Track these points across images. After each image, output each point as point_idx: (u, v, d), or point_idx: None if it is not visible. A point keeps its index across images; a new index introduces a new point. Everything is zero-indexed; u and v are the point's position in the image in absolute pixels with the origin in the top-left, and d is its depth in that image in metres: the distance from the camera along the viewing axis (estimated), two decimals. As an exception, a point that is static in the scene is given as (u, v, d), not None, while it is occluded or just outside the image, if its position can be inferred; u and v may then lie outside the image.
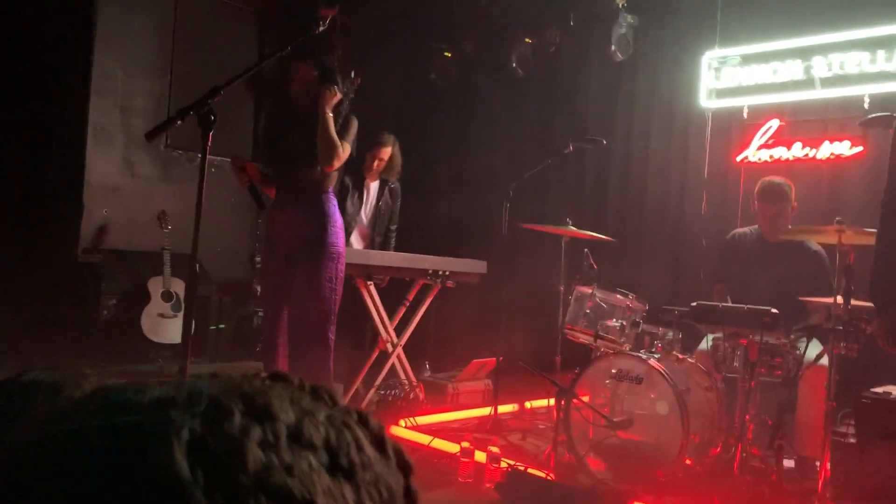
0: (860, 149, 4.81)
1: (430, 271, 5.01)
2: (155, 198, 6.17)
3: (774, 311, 3.40)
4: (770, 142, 5.15)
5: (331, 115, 3.52)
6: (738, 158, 5.27)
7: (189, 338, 2.49)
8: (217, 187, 6.91)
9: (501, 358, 4.76)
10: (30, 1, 5.63)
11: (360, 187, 5.47)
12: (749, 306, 3.50)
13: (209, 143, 2.03)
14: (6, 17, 5.57)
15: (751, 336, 3.47)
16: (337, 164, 3.57)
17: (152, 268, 5.82)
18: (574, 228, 4.48)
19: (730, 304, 3.74)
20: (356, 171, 5.41)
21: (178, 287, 5.84)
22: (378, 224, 5.55)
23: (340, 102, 3.56)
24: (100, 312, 5.91)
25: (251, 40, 7.02)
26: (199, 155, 2.08)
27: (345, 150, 3.57)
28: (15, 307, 5.29)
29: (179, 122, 2.05)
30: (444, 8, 6.61)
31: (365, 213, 5.53)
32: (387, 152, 5.38)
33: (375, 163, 5.38)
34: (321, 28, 2.60)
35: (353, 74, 3.69)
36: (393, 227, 5.60)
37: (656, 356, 3.69)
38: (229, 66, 6.57)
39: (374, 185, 5.55)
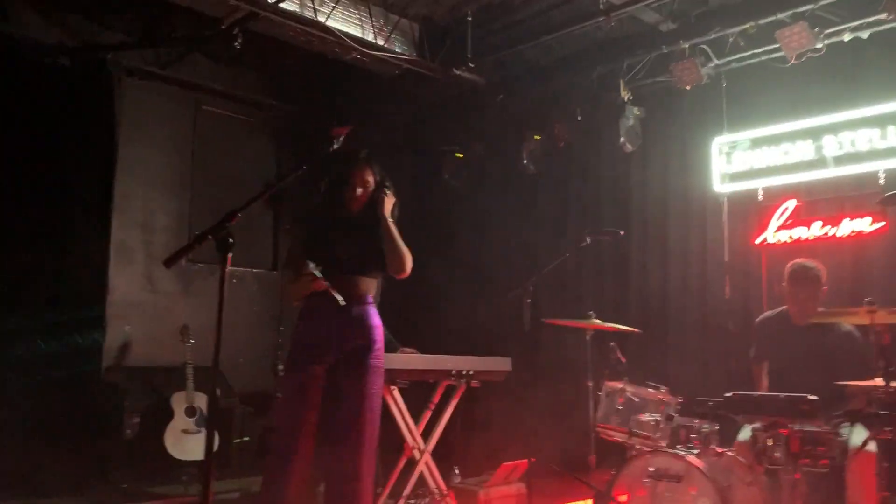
0: (882, 224, 4.76)
1: (454, 371, 4.91)
2: (176, 312, 6.20)
3: (812, 397, 3.28)
4: (788, 222, 5.13)
5: (392, 221, 3.46)
6: (758, 241, 5.24)
7: (212, 454, 2.42)
8: (238, 299, 7.02)
9: (534, 459, 4.61)
10: (53, 121, 5.84)
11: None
12: (786, 394, 3.39)
13: (228, 265, 2.04)
14: (31, 136, 5.78)
15: (791, 426, 3.34)
16: (409, 271, 3.48)
17: (175, 383, 5.79)
18: (598, 321, 4.41)
19: (765, 393, 3.63)
20: None
21: (202, 401, 5.78)
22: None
23: (394, 206, 3.51)
24: (123, 431, 5.85)
25: (267, 154, 7.22)
26: (220, 268, 2.09)
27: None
28: (38, 427, 5.26)
29: (197, 247, 2.07)
30: (452, 111, 6.79)
31: None
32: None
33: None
34: (335, 146, 2.65)
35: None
36: (391, 338, 5.52)
37: (694, 451, 3.56)
38: (247, 179, 6.82)
39: None
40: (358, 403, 3.33)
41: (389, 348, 5.36)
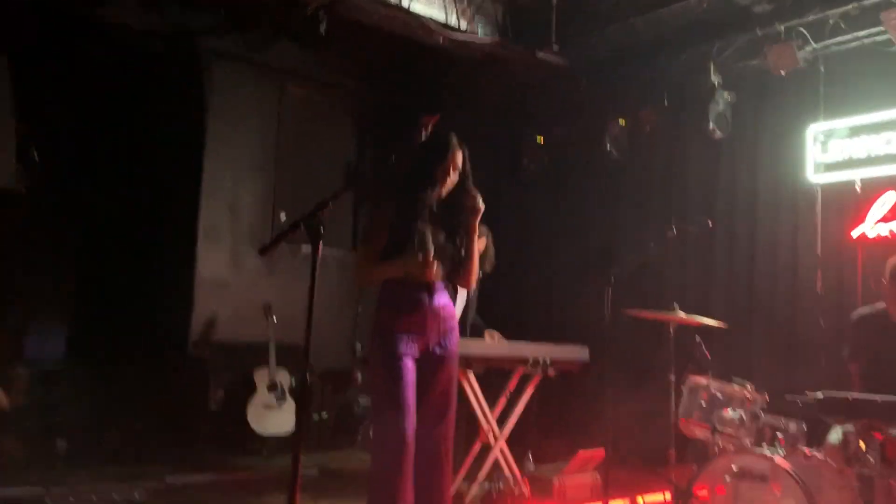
0: None
1: (531, 359, 4.89)
2: (260, 291, 6.37)
3: (911, 402, 3.13)
4: (889, 215, 4.88)
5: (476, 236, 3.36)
6: (855, 234, 5.01)
7: (303, 430, 2.53)
8: (318, 279, 7.10)
9: (610, 449, 4.55)
10: (146, 105, 6.05)
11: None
12: (883, 397, 3.24)
13: (319, 254, 2.08)
14: (124, 120, 6.01)
15: (887, 429, 3.20)
16: (473, 287, 3.53)
17: (257, 359, 5.96)
18: (682, 314, 4.31)
19: (860, 396, 3.48)
20: None
21: (283, 377, 5.95)
22: (468, 315, 5.46)
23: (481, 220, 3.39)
24: (208, 404, 6.07)
25: (350, 136, 7.29)
26: (303, 247, 2.14)
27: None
28: (128, 400, 5.51)
29: (290, 235, 2.11)
30: (535, 95, 6.70)
31: (458, 307, 5.44)
32: (482, 244, 5.34)
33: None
34: (424, 136, 2.66)
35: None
36: (474, 316, 5.51)
37: (781, 452, 3.44)
38: (329, 160, 6.92)
39: None
40: (449, 390, 3.30)
41: (476, 331, 5.41)
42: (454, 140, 3.29)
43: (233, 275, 6.50)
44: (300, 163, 6.83)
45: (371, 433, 3.39)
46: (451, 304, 3.40)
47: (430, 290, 3.26)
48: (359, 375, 6.64)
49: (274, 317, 5.97)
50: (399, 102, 6.60)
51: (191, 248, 6.26)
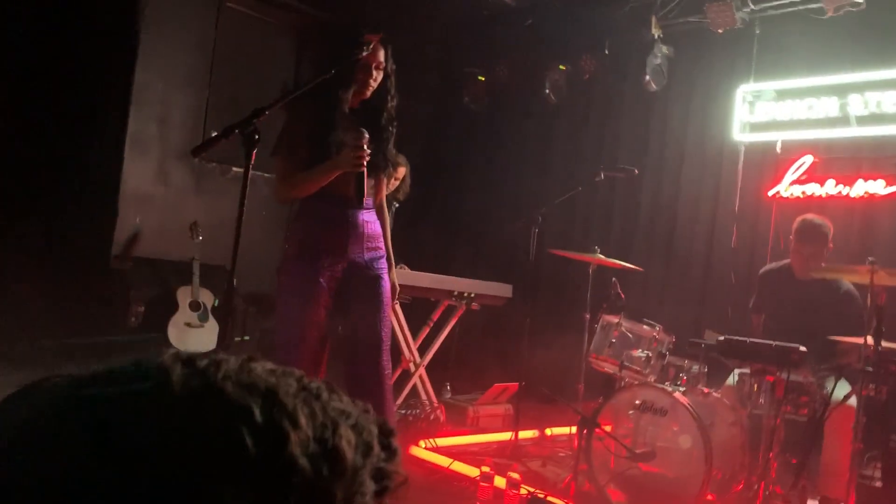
0: (895, 188, 4.77)
1: (456, 293, 5.02)
2: (187, 208, 6.25)
3: (802, 348, 3.37)
4: (803, 178, 5.12)
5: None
6: (770, 193, 5.25)
7: (222, 347, 2.51)
8: (248, 201, 7.01)
9: (524, 383, 4.75)
10: (78, 10, 5.77)
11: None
12: (777, 343, 3.47)
13: (252, 161, 2.08)
14: (54, 26, 5.72)
15: (778, 373, 3.44)
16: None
17: (181, 277, 5.90)
18: (602, 256, 4.48)
19: (757, 340, 3.71)
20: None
21: (206, 297, 5.91)
22: None
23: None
24: (128, 318, 6.00)
25: (288, 57, 7.13)
26: (233, 168, 2.12)
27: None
28: (44, 307, 5.39)
29: (224, 140, 2.10)
30: (479, 34, 6.68)
31: None
32: (402, 172, 5.36)
33: (391, 182, 5.33)
34: (365, 52, 2.63)
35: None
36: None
37: (681, 389, 3.67)
38: (266, 81, 6.77)
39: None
40: (380, 315, 3.07)
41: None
42: (376, 36, 2.95)
43: (160, 189, 6.35)
44: (236, 81, 6.66)
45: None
46: (378, 224, 3.16)
47: (353, 204, 2.97)
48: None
49: (200, 235, 5.89)
50: (341, 24, 6.46)
51: (117, 159, 6.08)
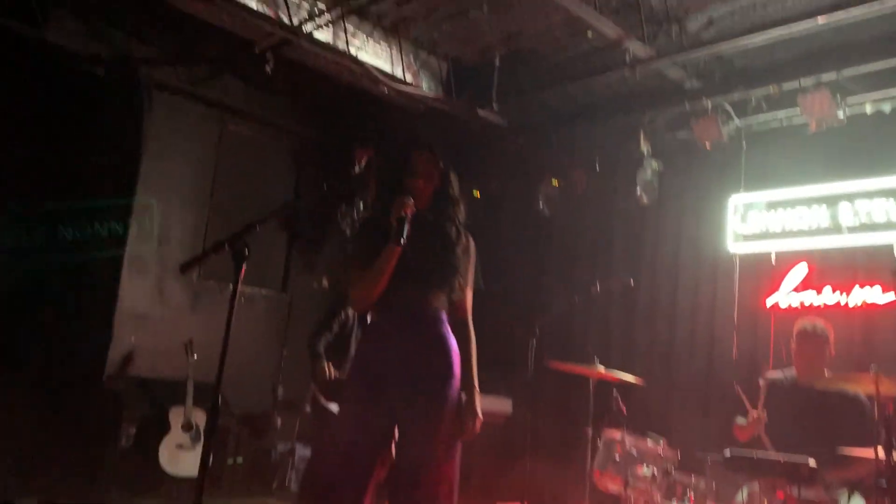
0: (892, 295, 4.75)
1: (454, 409, 4.90)
2: (183, 326, 6.22)
3: (812, 463, 3.26)
4: (800, 286, 5.12)
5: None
6: (768, 303, 5.23)
7: (206, 472, 2.38)
8: (245, 318, 7.02)
9: (527, 501, 4.56)
10: (82, 128, 5.96)
11: (364, 322, 5.32)
12: (785, 457, 3.36)
13: (241, 276, 2.07)
14: (59, 142, 5.89)
15: (788, 489, 3.31)
16: None
17: (175, 396, 5.79)
18: (602, 368, 4.41)
19: (766, 454, 3.60)
20: None
21: (200, 418, 5.78)
22: None
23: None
24: (119, 440, 5.84)
25: (288, 177, 7.30)
26: (231, 285, 2.11)
27: None
28: (36, 425, 5.27)
29: (213, 255, 2.10)
30: (474, 149, 6.86)
31: None
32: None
33: None
34: (358, 169, 2.68)
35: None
36: None
37: (690, 507, 3.52)
38: (266, 200, 6.89)
39: None
40: (433, 449, 2.59)
41: None
42: (413, 145, 2.82)
43: (156, 308, 6.35)
44: (235, 200, 6.78)
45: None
46: (448, 339, 2.73)
47: (423, 314, 2.68)
48: (278, 420, 6.50)
49: (195, 354, 5.83)
50: (340, 146, 6.65)
51: (115, 278, 6.10)
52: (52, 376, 5.65)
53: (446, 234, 2.79)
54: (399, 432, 2.63)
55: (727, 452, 3.55)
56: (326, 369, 4.79)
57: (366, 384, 2.66)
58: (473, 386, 2.72)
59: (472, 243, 2.87)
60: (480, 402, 2.70)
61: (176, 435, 5.67)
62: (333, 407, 4.97)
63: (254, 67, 5.57)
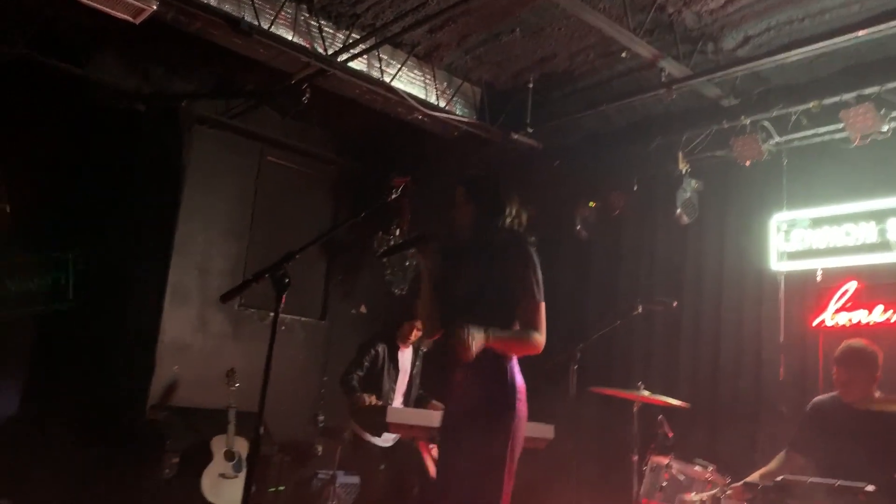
0: (946, 313, 4.60)
1: (496, 435, 4.84)
2: (225, 355, 6.28)
3: (870, 488, 3.13)
4: (848, 305, 4.98)
5: None
6: (815, 323, 5.10)
7: (248, 500, 2.40)
8: (285, 346, 7.06)
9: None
10: (124, 164, 6.10)
11: (394, 357, 5.31)
12: (840, 482, 3.24)
13: (282, 305, 2.08)
14: (102, 177, 6.03)
15: (845, 516, 3.19)
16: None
17: (217, 425, 5.81)
18: (647, 393, 4.32)
19: (819, 480, 3.47)
20: (389, 338, 5.32)
21: (241, 447, 5.79)
22: (411, 391, 5.41)
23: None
24: (162, 470, 5.87)
25: (326, 207, 7.38)
26: (271, 314, 2.12)
27: None
28: (80, 456, 5.33)
29: (254, 285, 2.11)
30: (509, 173, 6.84)
31: (401, 385, 5.35)
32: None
33: (414, 332, 5.27)
34: (394, 195, 2.70)
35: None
36: (423, 392, 5.46)
37: (742, 536, 3.41)
38: (304, 230, 6.95)
39: (406, 353, 5.40)
40: (482, 481, 2.64)
41: (420, 402, 5.34)
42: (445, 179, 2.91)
43: (198, 338, 6.41)
44: (275, 230, 6.87)
45: None
46: (505, 371, 2.82)
47: (459, 349, 2.61)
48: (319, 448, 6.49)
49: (237, 383, 5.86)
50: (376, 174, 6.70)
51: (157, 309, 6.19)
52: (96, 407, 5.72)
53: (491, 267, 2.83)
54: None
55: (779, 478, 3.43)
56: (366, 398, 4.80)
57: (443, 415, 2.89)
58: (489, 332, 2.67)
59: (525, 254, 2.93)
60: (480, 345, 2.63)
61: (218, 464, 5.69)
62: (377, 441, 4.98)
63: (291, 98, 5.66)
